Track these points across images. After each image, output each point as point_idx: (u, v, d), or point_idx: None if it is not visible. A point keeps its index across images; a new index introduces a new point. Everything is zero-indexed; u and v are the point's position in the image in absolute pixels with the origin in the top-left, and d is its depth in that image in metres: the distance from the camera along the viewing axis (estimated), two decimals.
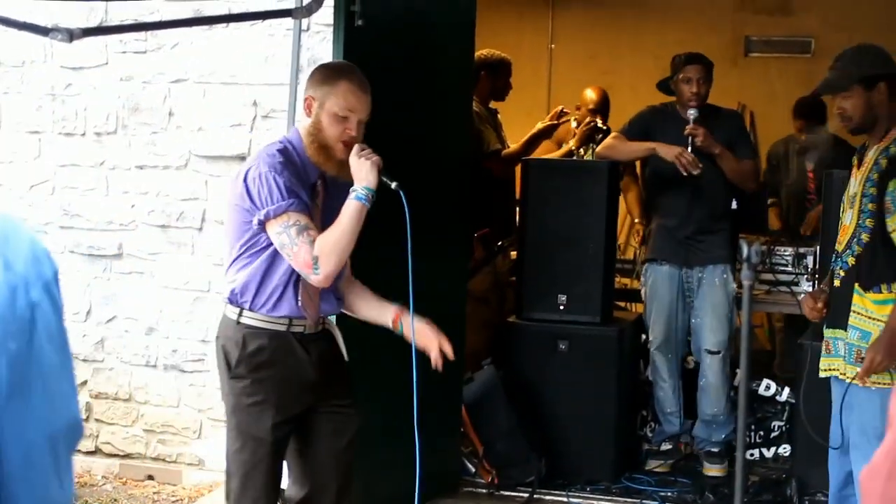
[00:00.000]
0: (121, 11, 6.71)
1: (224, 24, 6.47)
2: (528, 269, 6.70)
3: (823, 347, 4.89)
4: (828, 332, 4.89)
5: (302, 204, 4.11)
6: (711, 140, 6.37)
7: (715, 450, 6.66)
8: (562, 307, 6.54)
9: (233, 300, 4.27)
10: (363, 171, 4.10)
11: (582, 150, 7.46)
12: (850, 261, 4.71)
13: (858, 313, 4.68)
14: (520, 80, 7.67)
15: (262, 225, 4.13)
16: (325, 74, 4.31)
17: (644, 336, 6.99)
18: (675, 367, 6.66)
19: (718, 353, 6.52)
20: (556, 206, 6.59)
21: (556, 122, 7.49)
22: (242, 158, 6.57)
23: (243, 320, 4.25)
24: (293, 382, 4.27)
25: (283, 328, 4.24)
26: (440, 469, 6.04)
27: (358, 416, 4.44)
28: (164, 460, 6.86)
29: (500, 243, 7.13)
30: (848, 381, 4.69)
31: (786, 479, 6.32)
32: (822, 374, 4.89)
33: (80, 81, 6.89)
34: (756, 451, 6.79)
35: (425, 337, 4.27)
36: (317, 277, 4.10)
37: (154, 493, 6.68)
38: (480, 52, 7.18)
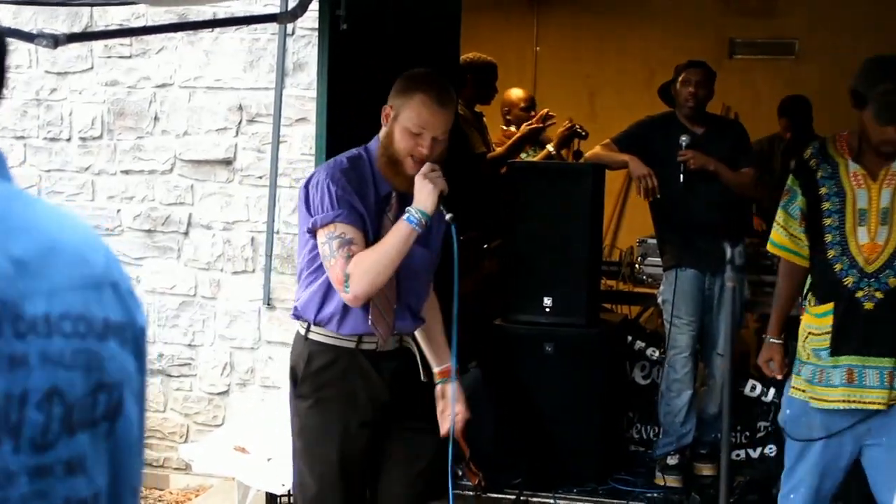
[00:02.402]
0: (105, 16, 6.72)
1: (209, 29, 6.48)
2: (514, 272, 6.70)
3: (843, 376, 4.45)
4: (850, 360, 4.44)
5: (354, 216, 3.89)
6: (704, 160, 6.36)
7: (704, 451, 6.67)
8: (548, 309, 6.54)
9: (298, 316, 4.11)
10: (423, 193, 3.85)
11: (563, 153, 7.48)
12: (892, 282, 4.37)
13: None
14: (505, 83, 7.69)
15: (312, 233, 3.95)
16: (405, 84, 4.04)
17: (630, 337, 7.00)
18: (695, 374, 6.57)
19: (725, 355, 6.49)
20: (542, 209, 6.59)
21: (541, 125, 7.49)
22: (228, 163, 6.59)
23: (311, 336, 4.06)
24: (361, 403, 4.04)
25: (351, 345, 4.02)
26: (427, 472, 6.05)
27: (435, 440, 4.19)
28: (150, 465, 6.86)
29: (485, 246, 7.14)
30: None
31: (772, 479, 6.33)
32: (840, 406, 4.45)
33: (65, 87, 6.90)
34: (742, 452, 6.80)
35: (447, 411, 4.16)
36: (346, 296, 3.87)
37: (142, 498, 6.67)
38: (466, 56, 7.19)
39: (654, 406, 6.70)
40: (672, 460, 6.56)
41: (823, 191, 4.52)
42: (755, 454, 6.80)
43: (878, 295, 4.38)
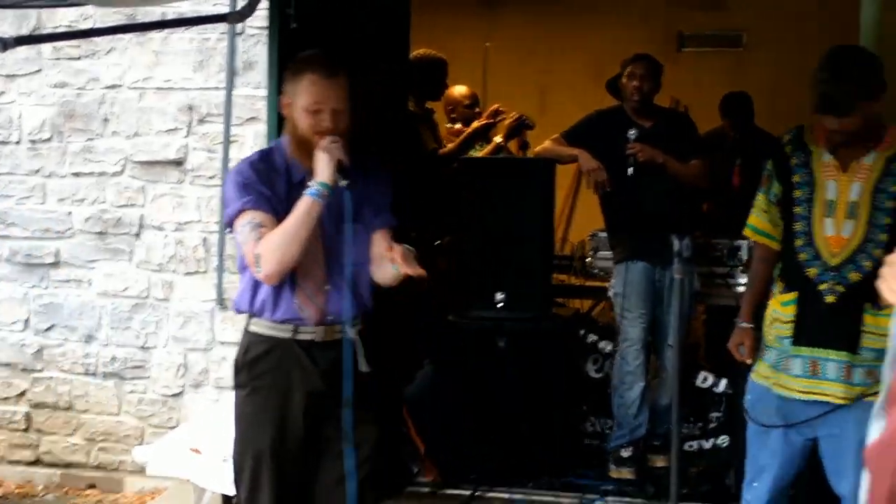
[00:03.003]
0: (54, 18, 6.69)
1: (158, 30, 6.46)
2: (467, 268, 6.73)
3: (808, 367, 4.45)
4: (811, 352, 4.45)
5: (262, 201, 3.99)
6: (652, 152, 6.42)
7: (658, 443, 6.71)
8: (500, 305, 6.56)
9: (238, 310, 4.21)
10: (321, 164, 3.96)
11: (511, 144, 7.53)
12: (854, 277, 4.35)
13: (872, 333, 4.32)
14: (456, 80, 7.70)
15: (230, 227, 4.07)
16: (292, 70, 4.14)
17: (582, 331, 7.04)
18: (647, 367, 6.61)
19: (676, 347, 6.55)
20: (493, 205, 6.63)
21: (492, 121, 7.52)
22: (179, 163, 6.58)
23: (251, 328, 4.16)
24: (297, 392, 4.10)
25: (288, 335, 4.09)
26: (383, 470, 6.07)
27: (377, 430, 4.21)
28: (105, 468, 6.84)
29: (438, 242, 7.15)
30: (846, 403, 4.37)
31: (725, 469, 6.39)
32: (801, 397, 4.45)
33: (13, 89, 6.87)
34: (695, 443, 6.84)
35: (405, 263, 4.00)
36: (259, 275, 3.98)
37: (97, 501, 6.68)
38: (416, 52, 7.20)
39: (608, 399, 6.73)
40: (626, 453, 6.60)
41: (796, 178, 4.52)
42: (708, 445, 6.84)
43: (840, 289, 4.37)
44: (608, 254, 6.89)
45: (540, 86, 10.53)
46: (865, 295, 4.30)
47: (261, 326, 4.11)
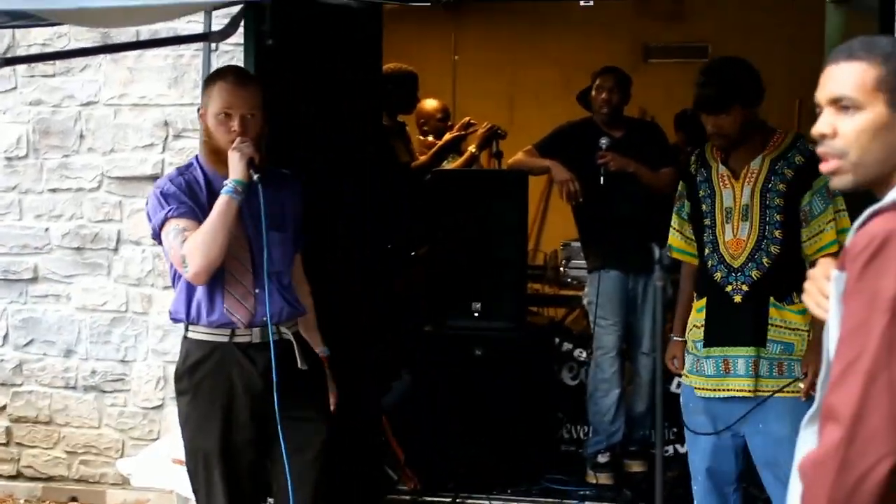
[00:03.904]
0: (28, 36, 6.74)
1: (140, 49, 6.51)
2: (442, 278, 6.81)
3: (720, 366, 4.71)
4: (722, 351, 4.71)
5: (184, 209, 4.15)
6: (623, 161, 6.50)
7: (634, 448, 6.81)
8: (476, 314, 6.65)
9: (174, 320, 4.34)
10: (234, 162, 4.12)
11: (483, 154, 7.61)
12: (755, 274, 4.62)
13: (778, 326, 4.61)
14: (425, 92, 7.77)
15: (157, 239, 4.22)
16: (205, 83, 4.38)
17: (557, 340, 7.12)
18: (622, 374, 6.71)
19: (651, 354, 6.64)
20: (467, 216, 6.71)
21: (463, 132, 7.60)
22: (155, 179, 6.62)
23: (189, 335, 4.30)
24: (239, 393, 4.25)
25: (225, 339, 4.25)
26: (363, 478, 6.13)
27: (324, 428, 4.37)
28: (87, 481, 6.88)
29: (413, 254, 7.23)
30: (768, 395, 4.59)
31: None
32: (712, 395, 4.71)
33: None
34: (670, 448, 6.94)
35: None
36: (188, 275, 4.12)
37: None
38: (387, 66, 7.27)
39: (584, 406, 6.82)
40: (603, 458, 6.69)
41: (701, 193, 4.83)
42: (683, 450, 6.92)
43: (744, 288, 4.64)
44: (581, 263, 6.99)
45: (508, 97, 10.63)
46: (769, 290, 4.61)
47: (199, 333, 4.27)
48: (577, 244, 7.02)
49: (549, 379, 7.03)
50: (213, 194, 4.22)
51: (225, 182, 4.14)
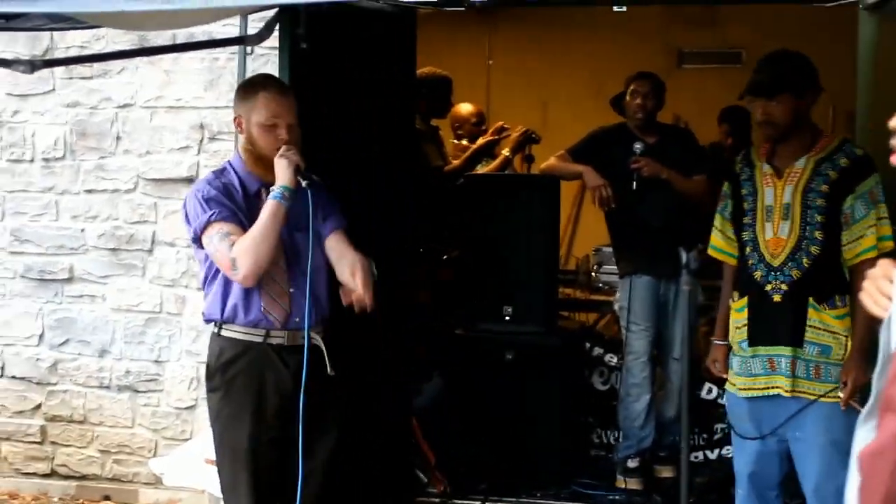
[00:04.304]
0: (66, 38, 6.81)
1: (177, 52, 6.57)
2: (473, 282, 6.83)
3: (766, 364, 4.70)
4: (767, 350, 4.71)
5: (226, 212, 4.26)
6: (656, 167, 6.51)
7: (664, 454, 6.81)
8: (507, 318, 6.68)
9: (208, 320, 4.43)
10: (281, 169, 4.25)
11: (517, 157, 7.64)
12: (795, 274, 4.60)
13: (816, 328, 4.60)
14: (458, 97, 7.81)
15: (198, 242, 4.30)
16: (245, 91, 4.47)
17: (588, 344, 7.14)
18: (653, 379, 6.70)
19: (681, 359, 6.62)
20: (499, 220, 6.73)
21: (497, 137, 7.62)
22: (191, 181, 6.69)
23: (223, 333, 4.38)
24: (270, 393, 4.34)
25: (259, 339, 4.34)
26: (392, 480, 6.17)
27: (334, 436, 4.46)
28: (120, 480, 6.94)
29: (444, 257, 7.26)
30: (809, 398, 4.59)
31: (730, 480, 6.48)
32: (761, 393, 4.71)
33: (27, 109, 6.98)
34: (700, 454, 6.94)
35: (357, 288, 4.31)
36: (237, 277, 4.22)
37: None
38: (422, 71, 7.31)
39: (614, 411, 6.83)
40: (632, 463, 6.69)
41: (744, 192, 4.83)
42: (713, 455, 6.94)
43: (784, 287, 4.63)
44: (612, 268, 7.00)
45: (541, 102, 10.64)
46: (808, 291, 4.60)
47: (233, 331, 4.35)
48: (609, 249, 7.03)
49: (579, 383, 7.04)
50: (248, 197, 4.35)
51: (272, 188, 4.25)
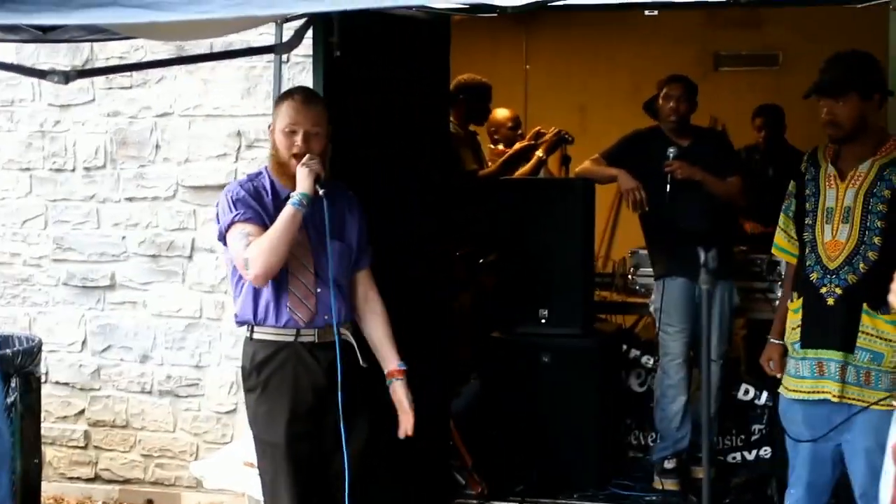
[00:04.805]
0: (105, 49, 6.90)
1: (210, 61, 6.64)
2: (510, 285, 6.88)
3: (814, 369, 4.67)
4: (816, 353, 4.67)
5: (251, 213, 4.42)
6: (690, 170, 6.53)
7: (700, 454, 6.82)
8: (544, 321, 6.72)
9: (240, 323, 4.59)
10: (301, 177, 4.40)
11: (551, 160, 7.69)
12: (851, 279, 4.56)
13: (869, 334, 4.55)
14: (496, 102, 7.85)
15: (223, 241, 4.49)
16: (277, 100, 4.68)
17: (625, 346, 7.17)
18: (689, 380, 6.72)
19: (718, 361, 6.66)
20: (535, 224, 6.78)
21: (533, 142, 7.65)
22: None
23: (255, 336, 4.54)
24: (304, 388, 4.48)
25: (291, 338, 4.49)
26: (431, 483, 6.22)
27: (367, 428, 4.60)
28: (162, 484, 7.02)
29: (481, 261, 7.31)
30: (859, 405, 4.55)
31: (767, 480, 6.50)
32: (807, 397, 4.68)
33: (68, 118, 7.08)
34: (738, 455, 6.96)
35: (402, 409, 4.62)
36: (248, 276, 4.39)
37: None
38: (461, 77, 7.38)
39: (651, 412, 6.86)
40: (669, 464, 6.72)
41: (807, 192, 4.80)
42: (750, 456, 6.96)
43: (838, 291, 4.60)
44: (648, 270, 7.02)
45: (579, 106, 10.67)
46: (863, 296, 4.56)
47: (265, 333, 4.51)
48: (645, 252, 7.06)
49: (616, 385, 7.08)
50: (277, 200, 4.48)
51: (291, 194, 4.39)
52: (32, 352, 5.96)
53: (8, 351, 5.84)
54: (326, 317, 4.47)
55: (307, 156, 4.43)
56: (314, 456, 4.54)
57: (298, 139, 4.46)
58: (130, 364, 7.04)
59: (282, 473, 4.49)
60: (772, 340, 5.00)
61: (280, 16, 4.99)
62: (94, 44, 6.82)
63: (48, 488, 6.84)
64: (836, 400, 4.59)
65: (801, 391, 4.72)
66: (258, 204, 4.46)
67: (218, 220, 4.51)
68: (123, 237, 7.02)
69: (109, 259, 7.04)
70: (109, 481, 7.12)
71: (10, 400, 5.75)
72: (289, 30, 5.39)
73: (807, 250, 4.75)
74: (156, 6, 2.96)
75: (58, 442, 7.16)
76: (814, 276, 4.67)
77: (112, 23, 3.63)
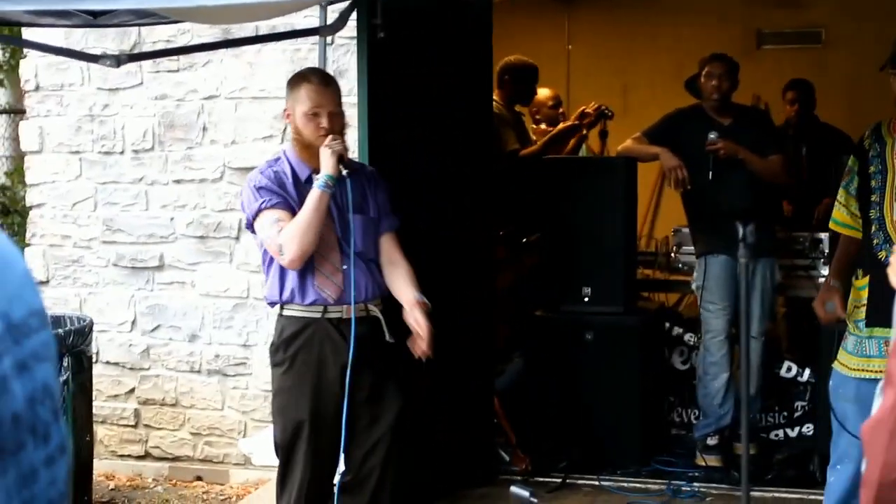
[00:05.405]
0: (153, 33, 6.99)
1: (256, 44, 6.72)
2: (553, 264, 6.94)
3: (882, 347, 4.60)
4: (884, 332, 4.55)
5: (277, 199, 4.55)
6: (733, 148, 6.56)
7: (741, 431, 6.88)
8: (586, 299, 6.78)
9: (271, 303, 4.71)
10: (325, 159, 4.51)
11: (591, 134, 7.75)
12: None
13: None
14: (539, 83, 7.90)
15: (251, 228, 4.63)
16: (291, 84, 4.74)
17: (668, 324, 7.21)
18: (731, 357, 6.74)
19: (760, 338, 6.68)
20: (577, 203, 6.84)
21: (578, 122, 7.70)
22: None
23: (284, 313, 4.65)
24: (330, 364, 4.57)
25: (318, 315, 4.58)
26: (476, 458, 6.31)
27: (399, 401, 4.67)
28: (211, 461, 7.14)
29: (524, 240, 7.36)
30: None
31: (809, 456, 6.54)
32: (872, 376, 4.53)
33: (116, 102, 7.18)
34: (781, 432, 7.00)
35: (418, 334, 4.58)
36: (283, 261, 4.51)
37: (203, 492, 6.95)
38: (507, 58, 7.45)
39: (694, 390, 6.91)
40: (712, 441, 6.76)
41: (872, 169, 4.75)
42: (793, 433, 6.99)
43: None
44: (691, 249, 7.06)
45: (621, 86, 10.68)
46: None
47: (294, 310, 4.61)
48: (688, 230, 7.09)
49: (659, 363, 7.12)
50: (298, 184, 4.60)
51: (316, 177, 4.51)
52: (84, 332, 6.07)
53: (60, 331, 5.95)
54: (355, 293, 4.56)
55: (329, 137, 4.53)
56: (336, 434, 4.59)
57: (324, 120, 4.57)
58: (179, 343, 7.15)
59: (301, 450, 4.59)
60: (831, 282, 4.98)
61: None
62: (142, 29, 6.92)
63: (99, 466, 6.97)
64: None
65: (868, 370, 4.66)
66: (282, 189, 4.57)
67: (244, 209, 4.65)
68: (172, 219, 7.12)
69: (158, 240, 7.15)
70: (159, 459, 7.24)
71: (62, 379, 5.86)
72: (333, 12, 5.46)
73: (873, 228, 4.69)
74: None
75: (108, 420, 7.29)
76: (882, 255, 4.60)
77: (163, 7, 3.72)
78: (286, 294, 4.60)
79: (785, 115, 8.55)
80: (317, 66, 6.64)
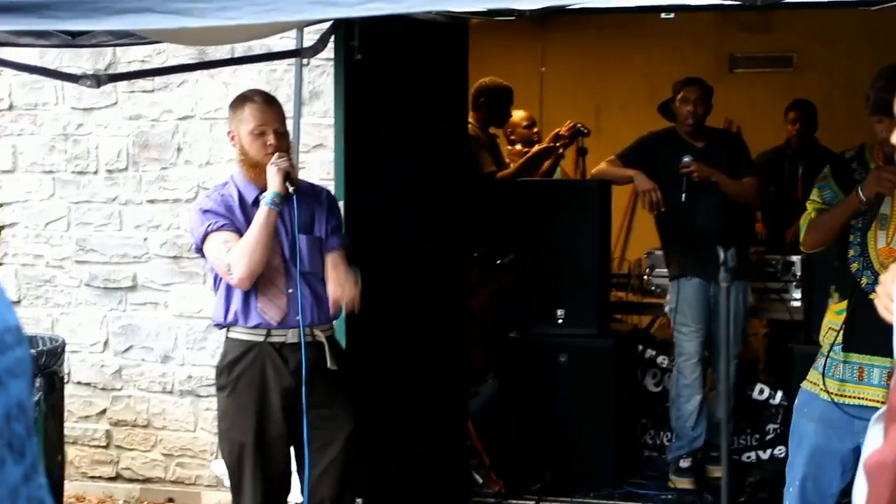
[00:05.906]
0: (128, 53, 6.97)
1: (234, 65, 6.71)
2: (527, 286, 6.95)
3: (855, 373, 4.62)
4: (859, 358, 4.61)
5: (223, 222, 4.57)
6: (707, 171, 6.61)
7: (716, 454, 6.88)
8: (560, 321, 6.80)
9: (216, 325, 4.79)
10: (271, 176, 4.54)
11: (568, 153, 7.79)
12: None
13: None
14: (513, 104, 7.93)
15: (200, 252, 4.66)
16: (233, 106, 4.78)
17: (641, 347, 7.23)
18: (704, 380, 6.78)
19: (733, 361, 6.69)
20: (552, 225, 6.86)
21: (552, 145, 7.72)
22: None
23: (230, 335, 4.69)
24: (272, 389, 4.58)
25: (261, 338, 4.60)
26: (448, 481, 6.29)
27: (348, 426, 4.68)
28: (183, 483, 7.10)
29: (498, 262, 7.37)
30: None
31: (781, 478, 6.54)
32: (845, 401, 4.61)
33: (90, 121, 7.16)
34: (753, 454, 7.02)
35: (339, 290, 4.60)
36: (233, 280, 4.53)
37: None
38: (482, 80, 7.47)
39: (667, 412, 6.93)
40: (684, 463, 6.78)
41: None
42: (765, 455, 7.01)
43: None
44: (664, 271, 7.09)
45: (594, 107, 10.72)
46: None
47: (238, 333, 4.64)
48: (661, 252, 7.13)
49: (632, 385, 7.14)
50: (245, 206, 4.62)
51: (263, 195, 4.53)
52: (56, 352, 6.03)
53: (32, 351, 5.90)
54: (298, 318, 4.56)
55: (276, 155, 4.55)
56: (283, 457, 4.64)
57: (270, 138, 4.60)
58: (152, 364, 7.13)
59: (247, 473, 4.59)
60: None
61: (306, 22, 5.07)
62: (117, 49, 6.90)
63: (70, 487, 6.92)
64: (879, 405, 4.40)
65: (841, 395, 4.64)
66: (228, 212, 4.59)
67: (192, 232, 4.68)
68: (145, 239, 7.10)
69: (131, 260, 7.13)
70: (131, 480, 7.20)
71: (34, 399, 5.82)
72: (309, 33, 5.47)
73: (853, 252, 4.65)
74: (187, 13, 3.05)
75: (80, 441, 7.25)
76: (863, 281, 4.58)
77: (145, 28, 3.72)
78: (230, 316, 4.63)
79: (778, 140, 8.56)
80: (293, 87, 6.65)
